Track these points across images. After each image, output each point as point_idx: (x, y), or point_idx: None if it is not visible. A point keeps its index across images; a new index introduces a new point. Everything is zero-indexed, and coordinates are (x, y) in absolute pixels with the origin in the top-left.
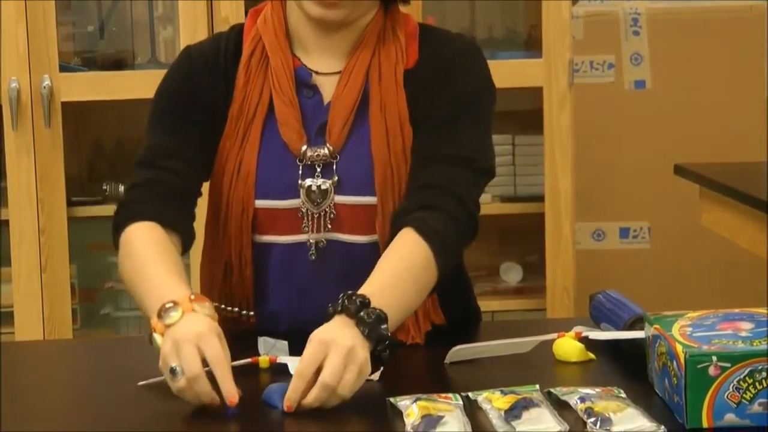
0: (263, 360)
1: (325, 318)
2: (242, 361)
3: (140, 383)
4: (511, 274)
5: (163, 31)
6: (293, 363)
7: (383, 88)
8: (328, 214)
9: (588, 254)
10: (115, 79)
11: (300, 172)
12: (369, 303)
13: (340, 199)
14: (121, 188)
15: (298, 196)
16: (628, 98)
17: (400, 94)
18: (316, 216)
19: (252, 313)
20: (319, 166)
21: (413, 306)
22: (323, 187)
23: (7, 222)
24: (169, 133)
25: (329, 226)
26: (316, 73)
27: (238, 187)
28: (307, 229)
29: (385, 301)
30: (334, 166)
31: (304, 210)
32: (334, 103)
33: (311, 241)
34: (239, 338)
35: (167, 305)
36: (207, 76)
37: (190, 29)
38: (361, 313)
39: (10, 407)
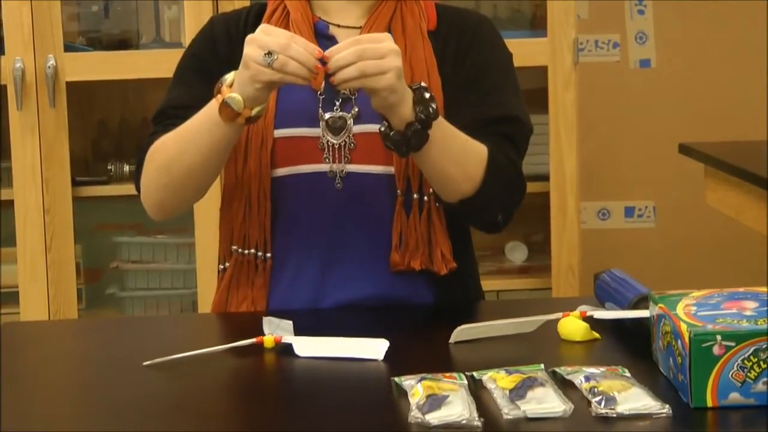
0: (268, 340)
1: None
2: (247, 341)
3: (145, 363)
4: (517, 253)
5: (168, 11)
6: (298, 343)
7: (408, 38)
8: (347, 144)
9: (593, 233)
10: (120, 58)
11: (320, 105)
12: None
13: (358, 128)
14: (126, 168)
15: (318, 126)
16: (633, 77)
17: (427, 45)
18: (336, 147)
19: (269, 255)
20: (338, 100)
21: (453, 157)
22: (343, 117)
23: (12, 202)
24: (187, 87)
25: (348, 157)
26: (336, 26)
27: None
28: (328, 160)
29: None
30: (354, 100)
31: (324, 141)
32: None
33: (333, 170)
34: (244, 318)
35: (217, 86)
36: (227, 34)
37: (195, 9)
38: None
39: (14, 388)
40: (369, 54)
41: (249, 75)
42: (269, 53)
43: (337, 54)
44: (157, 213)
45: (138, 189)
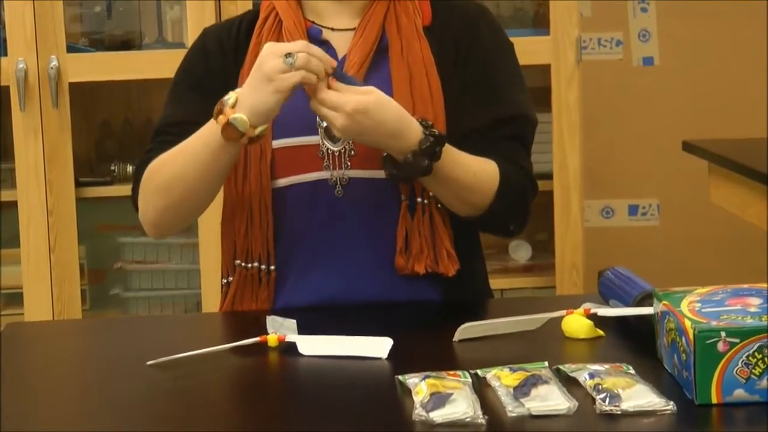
0: (272, 339)
1: None
2: (251, 340)
3: (149, 363)
4: (521, 252)
5: (170, 11)
6: (302, 342)
7: (403, 37)
8: (347, 150)
9: (597, 231)
10: (123, 59)
11: None
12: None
13: None
14: (129, 168)
15: (317, 133)
16: (636, 75)
17: (423, 43)
18: (336, 154)
19: (272, 267)
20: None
21: (454, 193)
22: None
23: (15, 203)
24: (182, 103)
25: (348, 164)
26: (330, 29)
27: None
28: (328, 166)
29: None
30: None
31: (324, 149)
32: (350, 52)
33: (334, 178)
34: (247, 318)
35: (217, 108)
36: (219, 46)
37: (198, 9)
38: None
39: (18, 388)
40: (325, 103)
41: (272, 88)
42: (289, 54)
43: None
44: (156, 232)
45: (135, 207)
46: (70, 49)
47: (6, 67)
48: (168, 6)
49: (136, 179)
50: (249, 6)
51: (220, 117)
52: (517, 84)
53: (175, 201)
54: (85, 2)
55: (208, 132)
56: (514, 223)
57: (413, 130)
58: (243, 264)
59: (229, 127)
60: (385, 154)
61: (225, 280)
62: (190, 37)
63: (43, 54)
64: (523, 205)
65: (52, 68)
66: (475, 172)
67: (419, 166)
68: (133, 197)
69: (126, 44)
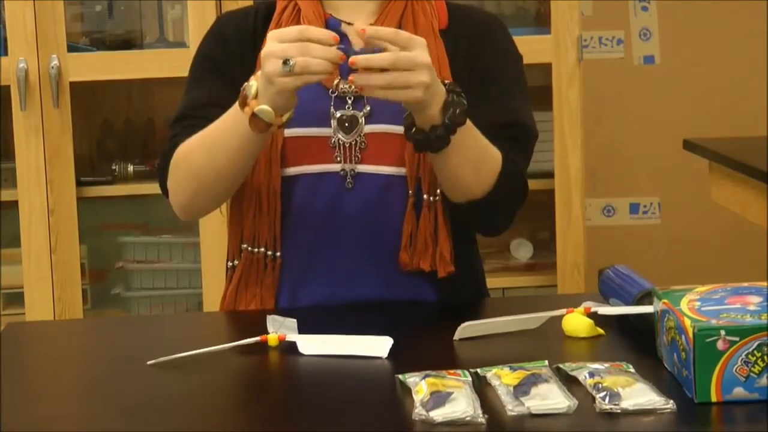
0: (272, 338)
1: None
2: (251, 339)
3: (150, 362)
4: (522, 250)
5: (171, 11)
6: (302, 341)
7: (420, 35)
8: (358, 143)
9: (598, 230)
10: (124, 58)
11: (332, 103)
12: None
13: (369, 128)
14: (131, 168)
15: (329, 125)
16: (637, 74)
17: (438, 43)
18: (347, 146)
19: (278, 253)
20: (350, 98)
21: (470, 161)
22: (354, 115)
23: (16, 203)
24: (203, 87)
25: (358, 156)
26: (348, 23)
27: None
28: (339, 158)
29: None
30: (365, 98)
31: (335, 139)
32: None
33: (344, 169)
34: (248, 317)
35: (241, 97)
36: (237, 32)
37: (199, 8)
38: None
39: (19, 388)
40: (402, 64)
41: (275, 90)
42: (286, 62)
43: (374, 41)
44: (186, 215)
45: (164, 191)
46: (71, 48)
47: (7, 66)
48: (169, 5)
49: (163, 164)
50: (250, 5)
51: (246, 108)
52: (520, 94)
53: (206, 186)
54: (86, 1)
55: (234, 120)
56: (505, 217)
57: (437, 94)
58: (250, 249)
59: (255, 119)
60: (412, 130)
61: (231, 263)
62: (192, 36)
63: (43, 53)
64: (515, 198)
65: (52, 68)
66: (485, 145)
67: (454, 120)
68: (161, 181)
69: (127, 44)
